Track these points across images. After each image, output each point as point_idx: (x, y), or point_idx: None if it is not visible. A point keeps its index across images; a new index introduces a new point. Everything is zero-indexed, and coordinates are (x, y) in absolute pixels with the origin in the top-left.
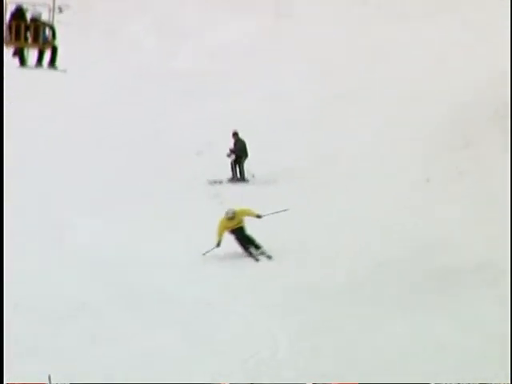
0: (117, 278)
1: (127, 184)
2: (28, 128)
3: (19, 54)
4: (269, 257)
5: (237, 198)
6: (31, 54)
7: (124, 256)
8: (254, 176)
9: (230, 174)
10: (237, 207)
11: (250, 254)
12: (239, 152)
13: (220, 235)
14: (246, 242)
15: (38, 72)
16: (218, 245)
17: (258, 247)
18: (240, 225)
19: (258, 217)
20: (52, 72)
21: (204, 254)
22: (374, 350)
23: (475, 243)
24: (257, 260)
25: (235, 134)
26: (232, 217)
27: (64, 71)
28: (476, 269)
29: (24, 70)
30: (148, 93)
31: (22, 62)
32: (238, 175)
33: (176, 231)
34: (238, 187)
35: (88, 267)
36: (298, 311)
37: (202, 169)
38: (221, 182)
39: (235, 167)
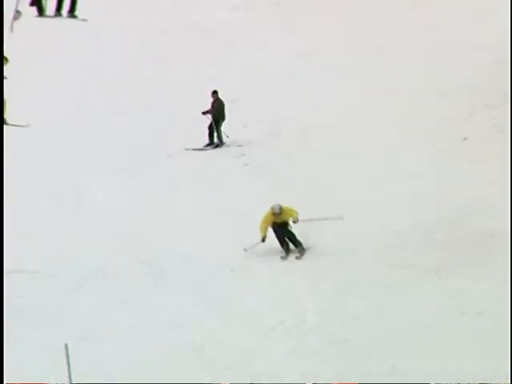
0: (140, 240)
1: (150, 144)
2: (43, 86)
3: (37, 2)
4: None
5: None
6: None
7: (147, 218)
8: (228, 136)
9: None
10: (284, 203)
11: (287, 251)
12: (216, 113)
13: (265, 230)
14: (289, 239)
15: (57, 21)
16: (263, 240)
17: (297, 244)
18: (285, 221)
19: (295, 221)
20: (71, 21)
21: (246, 250)
22: (409, 315)
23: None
24: (285, 257)
25: (214, 93)
26: (279, 213)
27: (84, 20)
28: None
29: (42, 19)
30: (169, 47)
31: (41, 11)
32: (216, 139)
33: (199, 192)
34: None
35: (112, 230)
36: (329, 276)
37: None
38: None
39: (212, 130)
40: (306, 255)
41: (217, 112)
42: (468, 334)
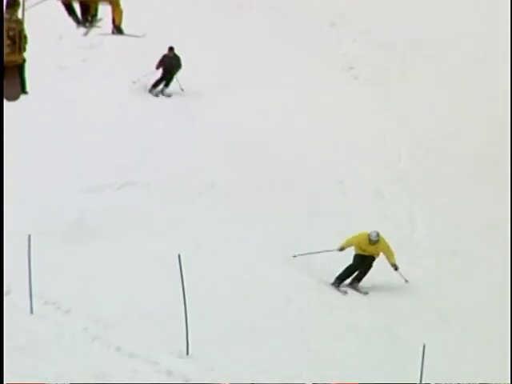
0: (253, 155)
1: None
2: None
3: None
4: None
5: None
6: None
7: (255, 135)
8: (183, 90)
9: None
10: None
11: (340, 282)
12: (167, 68)
13: (349, 245)
14: (359, 273)
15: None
16: (341, 250)
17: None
18: (374, 255)
19: (394, 267)
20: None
21: (295, 256)
22: None
23: None
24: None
25: (171, 49)
26: (375, 241)
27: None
28: None
29: None
30: None
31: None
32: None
33: (312, 109)
34: None
35: (223, 145)
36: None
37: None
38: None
39: (161, 80)
40: (418, 171)
41: (172, 67)
42: None
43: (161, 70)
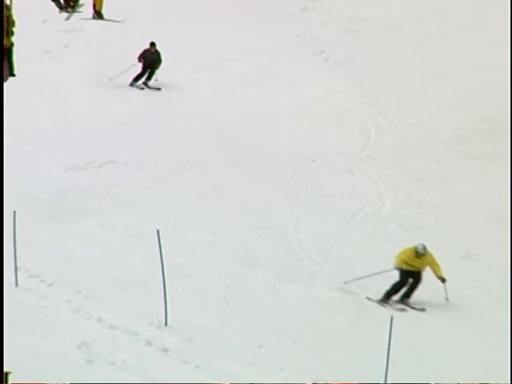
0: (224, 134)
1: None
2: None
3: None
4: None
5: None
6: None
7: (228, 114)
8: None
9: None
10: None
11: (388, 299)
12: (147, 62)
13: (402, 262)
14: (408, 288)
15: None
16: (397, 269)
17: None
18: (421, 269)
19: (442, 279)
20: None
21: (346, 283)
22: (480, 202)
23: None
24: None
25: (152, 45)
26: (422, 254)
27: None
28: None
29: None
30: None
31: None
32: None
33: (284, 90)
34: None
35: (197, 125)
36: (405, 167)
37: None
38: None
39: (142, 74)
40: (386, 149)
41: (153, 62)
42: None
43: (141, 65)
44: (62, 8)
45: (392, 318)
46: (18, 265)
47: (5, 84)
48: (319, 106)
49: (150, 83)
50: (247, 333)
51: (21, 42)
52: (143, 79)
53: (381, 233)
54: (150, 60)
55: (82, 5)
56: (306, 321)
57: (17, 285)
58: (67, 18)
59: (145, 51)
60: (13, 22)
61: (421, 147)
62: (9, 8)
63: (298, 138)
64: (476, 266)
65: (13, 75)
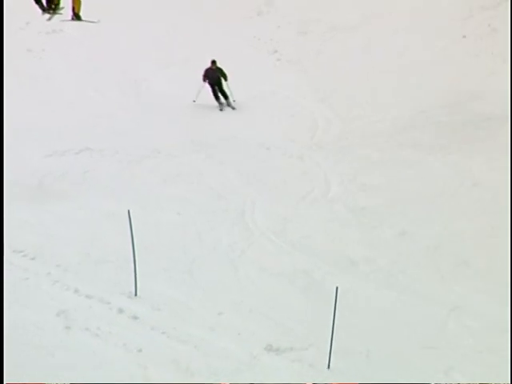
0: (189, 124)
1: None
2: None
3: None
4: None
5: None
6: None
7: (192, 106)
8: (234, 101)
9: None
10: None
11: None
12: (211, 80)
13: None
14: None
15: None
16: None
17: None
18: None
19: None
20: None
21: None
22: (417, 187)
23: (505, 92)
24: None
25: (213, 63)
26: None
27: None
28: (506, 115)
29: None
30: None
31: (43, 8)
32: (223, 99)
33: (243, 86)
34: None
35: (165, 116)
36: (350, 154)
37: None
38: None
39: (216, 95)
40: (333, 138)
41: (212, 79)
42: (467, 201)
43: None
44: (44, 10)
45: (337, 288)
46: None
47: None
48: (273, 100)
49: (231, 101)
50: (208, 302)
51: (6, 41)
52: (221, 99)
53: (328, 213)
54: (213, 77)
55: (63, 7)
56: (261, 292)
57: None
58: (49, 19)
59: (207, 70)
60: None
61: (363, 136)
62: None
63: (255, 128)
64: (411, 242)
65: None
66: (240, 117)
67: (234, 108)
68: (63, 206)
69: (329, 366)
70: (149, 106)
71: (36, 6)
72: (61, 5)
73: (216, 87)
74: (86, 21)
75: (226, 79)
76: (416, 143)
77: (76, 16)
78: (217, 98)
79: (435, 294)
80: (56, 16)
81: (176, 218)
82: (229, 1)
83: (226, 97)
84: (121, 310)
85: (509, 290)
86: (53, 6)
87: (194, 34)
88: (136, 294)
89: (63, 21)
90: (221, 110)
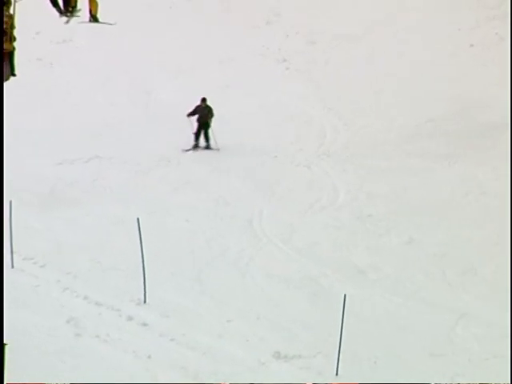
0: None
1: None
2: None
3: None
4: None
5: None
6: None
7: None
8: (218, 149)
9: None
10: None
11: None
12: (200, 118)
13: None
14: None
15: None
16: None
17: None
18: None
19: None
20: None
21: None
22: (424, 195)
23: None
24: None
25: (203, 100)
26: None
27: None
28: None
29: None
30: None
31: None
32: (203, 143)
33: (251, 95)
34: None
35: (174, 125)
36: (358, 163)
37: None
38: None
39: (199, 134)
40: (341, 146)
41: (201, 118)
42: (474, 209)
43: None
44: (61, 13)
45: (345, 295)
46: (14, 249)
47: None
48: (282, 109)
49: (211, 143)
50: (217, 309)
51: (16, 51)
52: (200, 141)
53: (335, 221)
54: (202, 115)
55: (80, 9)
56: (269, 299)
57: (12, 267)
58: (67, 22)
59: (197, 107)
60: (13, 27)
61: (371, 145)
62: (11, 17)
63: (263, 136)
64: (418, 250)
65: (14, 75)
66: (248, 126)
67: (217, 149)
68: (73, 212)
69: (337, 373)
70: (157, 115)
71: (46, 16)
72: (78, 7)
73: (202, 128)
74: (102, 22)
75: (212, 116)
76: (423, 152)
77: (93, 18)
78: (197, 138)
79: (442, 301)
80: (74, 18)
81: (185, 225)
82: (237, 11)
83: (207, 139)
84: (130, 317)
85: None
86: (70, 9)
87: (203, 42)
88: (145, 301)
89: (80, 23)
90: (188, 150)
